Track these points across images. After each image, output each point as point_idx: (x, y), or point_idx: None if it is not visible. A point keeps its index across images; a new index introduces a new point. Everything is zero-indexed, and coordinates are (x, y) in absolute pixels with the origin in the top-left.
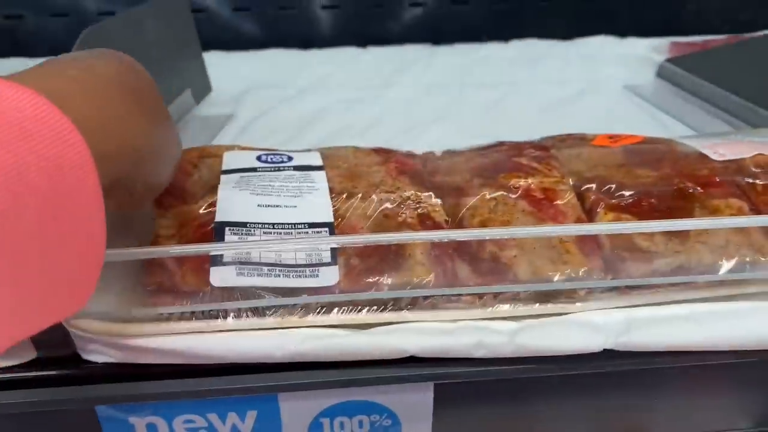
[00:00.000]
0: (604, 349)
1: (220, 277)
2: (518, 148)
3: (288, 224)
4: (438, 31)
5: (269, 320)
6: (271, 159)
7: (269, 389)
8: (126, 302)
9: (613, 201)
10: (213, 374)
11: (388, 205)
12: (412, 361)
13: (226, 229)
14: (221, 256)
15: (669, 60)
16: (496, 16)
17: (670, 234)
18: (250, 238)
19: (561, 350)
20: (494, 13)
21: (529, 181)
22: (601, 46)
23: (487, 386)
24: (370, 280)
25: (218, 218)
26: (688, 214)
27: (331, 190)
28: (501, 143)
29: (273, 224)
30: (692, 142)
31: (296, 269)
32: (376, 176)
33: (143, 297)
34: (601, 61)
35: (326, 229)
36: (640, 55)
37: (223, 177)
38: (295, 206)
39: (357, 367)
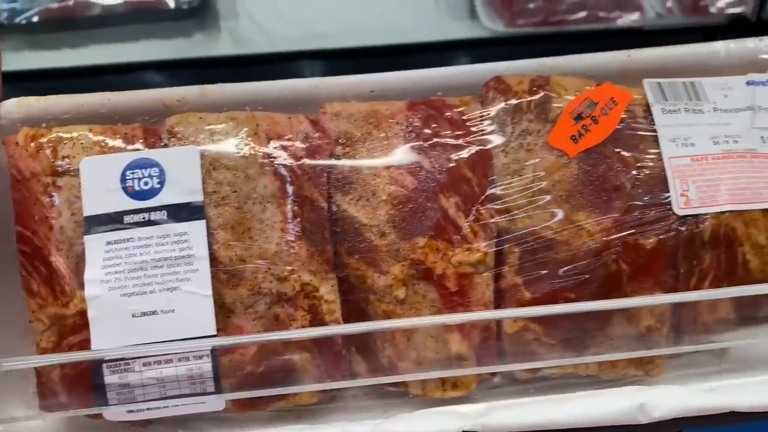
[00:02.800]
0: None
1: (111, 414)
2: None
3: (167, 349)
4: None
5: None
6: (139, 184)
7: None
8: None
9: (528, 295)
10: None
11: (278, 309)
12: None
13: (104, 367)
14: (106, 399)
15: None
16: None
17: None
18: (131, 375)
19: None
20: None
21: (447, 259)
22: None
23: None
24: (256, 404)
25: (94, 345)
26: (603, 323)
27: (214, 259)
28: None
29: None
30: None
31: (182, 399)
32: (270, 237)
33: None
34: None
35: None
36: None
37: (87, 240)
38: (173, 310)
39: None
